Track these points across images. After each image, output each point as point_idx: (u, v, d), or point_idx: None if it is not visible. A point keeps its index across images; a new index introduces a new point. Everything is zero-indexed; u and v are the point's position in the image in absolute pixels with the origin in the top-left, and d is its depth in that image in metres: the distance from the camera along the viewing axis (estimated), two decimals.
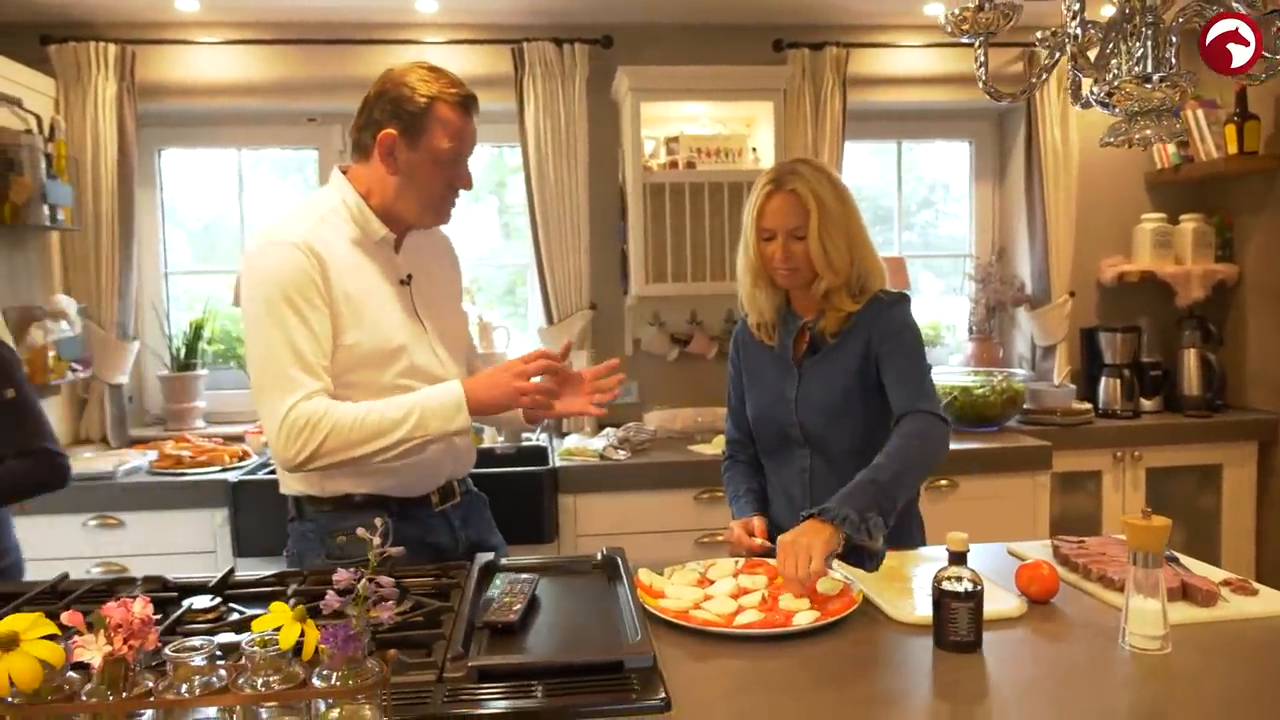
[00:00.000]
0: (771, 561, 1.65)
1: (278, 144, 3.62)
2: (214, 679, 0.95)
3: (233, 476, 2.77)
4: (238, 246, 3.65)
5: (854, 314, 1.83)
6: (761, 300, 1.89)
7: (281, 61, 3.36)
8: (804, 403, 1.85)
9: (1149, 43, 1.07)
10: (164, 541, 2.77)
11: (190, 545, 2.78)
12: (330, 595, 0.96)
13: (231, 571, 1.66)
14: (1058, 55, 1.23)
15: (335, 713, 0.96)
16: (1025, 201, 3.61)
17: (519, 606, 1.42)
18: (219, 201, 3.67)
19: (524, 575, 1.58)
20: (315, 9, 3.22)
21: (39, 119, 3.02)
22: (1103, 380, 3.54)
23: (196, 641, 0.96)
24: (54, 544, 2.67)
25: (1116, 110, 1.16)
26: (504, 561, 1.70)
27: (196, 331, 3.45)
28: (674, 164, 3.27)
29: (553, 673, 1.22)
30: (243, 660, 0.95)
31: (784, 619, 1.37)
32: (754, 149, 3.34)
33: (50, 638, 0.91)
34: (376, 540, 1.01)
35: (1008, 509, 3.01)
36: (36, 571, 2.62)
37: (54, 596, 1.56)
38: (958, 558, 1.29)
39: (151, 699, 0.92)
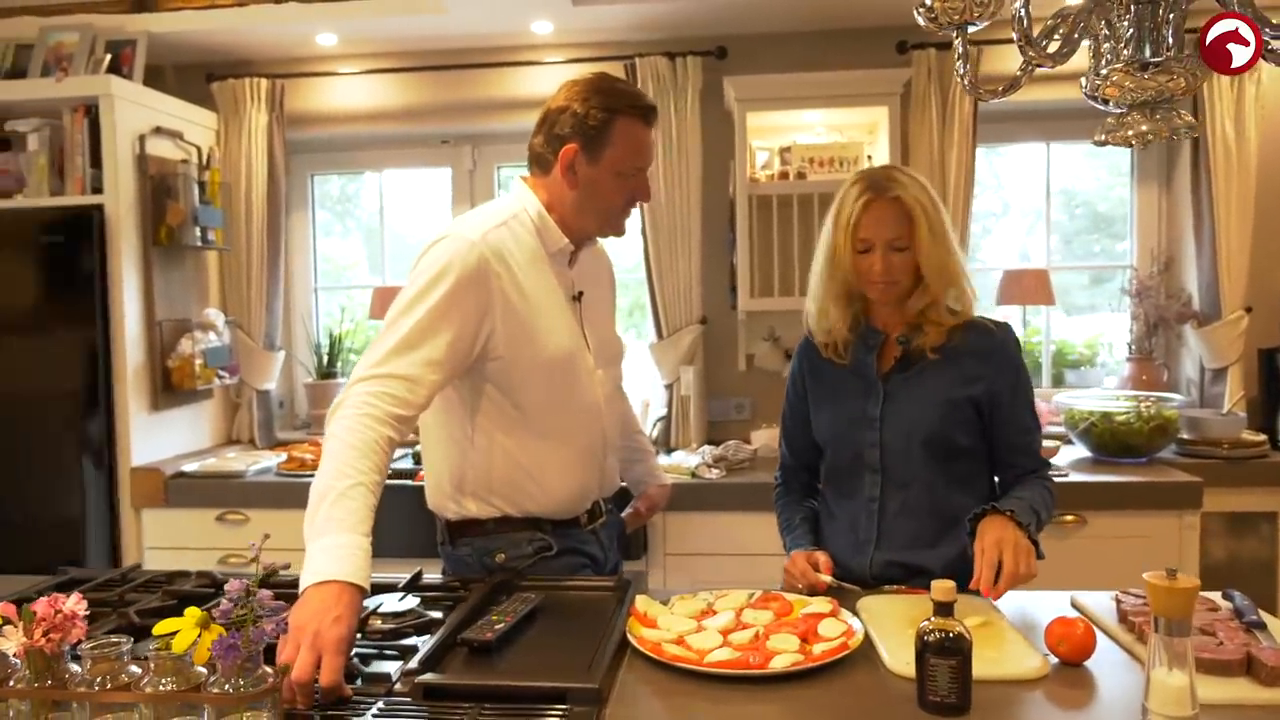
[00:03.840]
0: (792, 597, 1.54)
1: (414, 165, 3.82)
2: (124, 676, 0.99)
3: None
4: (388, 259, 3.88)
5: (956, 329, 1.71)
6: (836, 316, 1.77)
7: (413, 88, 3.55)
8: (891, 421, 1.72)
9: (1140, 22, 0.90)
10: (284, 538, 2.97)
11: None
12: (223, 604, 0.99)
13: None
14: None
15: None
16: (1192, 205, 3.21)
17: (501, 625, 1.40)
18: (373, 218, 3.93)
19: (528, 594, 1.56)
20: (441, 37, 3.38)
21: (199, 150, 3.35)
22: None
23: (116, 639, 1.02)
24: (186, 535, 2.94)
25: (1110, 104, 1.00)
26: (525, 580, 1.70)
27: (336, 342, 3.69)
28: (785, 175, 3.17)
29: (498, 696, 1.20)
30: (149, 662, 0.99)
31: (763, 660, 1.28)
32: (869, 156, 3.17)
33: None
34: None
35: (1147, 552, 2.67)
36: (165, 560, 2.92)
37: (121, 583, 1.71)
38: (942, 609, 1.15)
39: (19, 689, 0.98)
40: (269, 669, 0.99)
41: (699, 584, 2.81)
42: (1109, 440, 2.92)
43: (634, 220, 3.34)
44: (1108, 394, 3.21)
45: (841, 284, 1.73)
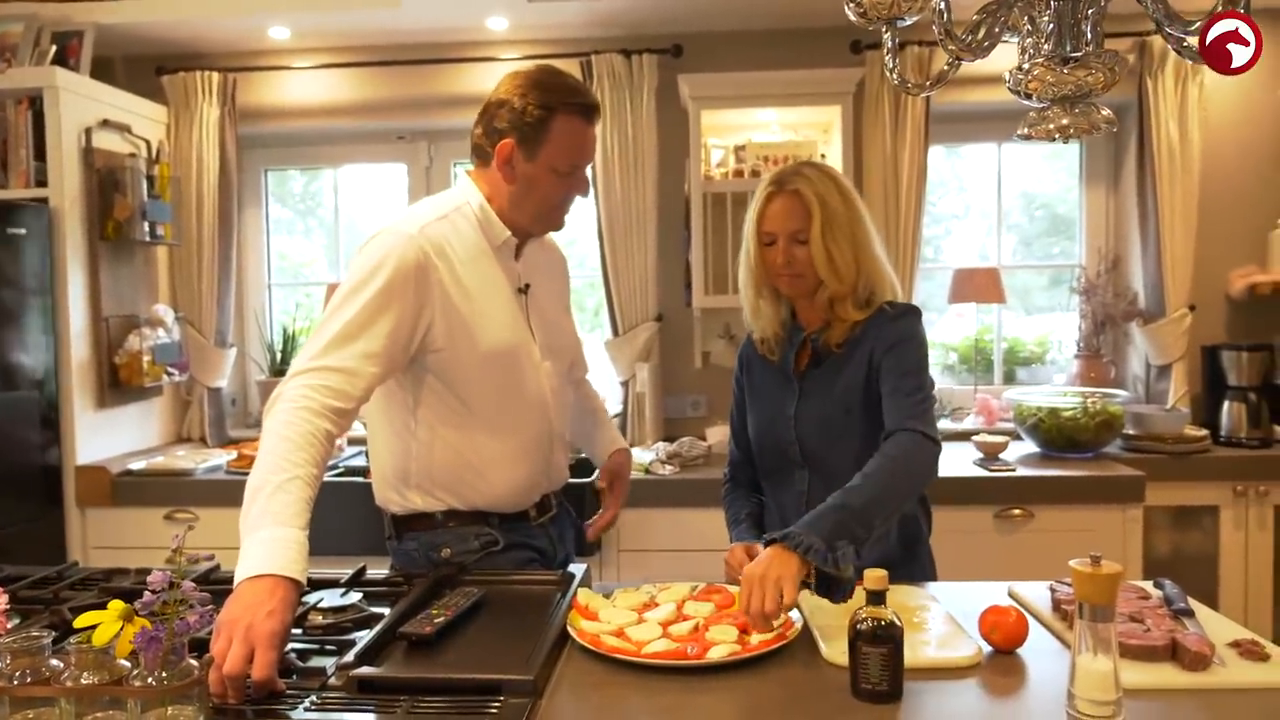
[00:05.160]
0: (734, 589, 1.55)
1: (370, 160, 3.79)
2: (44, 670, 0.98)
3: None
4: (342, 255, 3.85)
5: (860, 323, 1.72)
6: (766, 312, 1.80)
7: (368, 83, 3.52)
8: (803, 419, 1.75)
9: (1060, 18, 0.92)
10: (233, 537, 2.93)
11: None
12: (146, 595, 0.97)
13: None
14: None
15: (154, 713, 0.97)
16: (1137, 205, 3.28)
17: (441, 619, 1.39)
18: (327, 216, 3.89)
19: (471, 588, 1.56)
20: (396, 32, 3.35)
21: (148, 143, 3.29)
22: (1226, 404, 3.15)
23: (36, 633, 1.00)
24: (133, 535, 2.89)
25: (1034, 99, 1.02)
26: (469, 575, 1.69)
27: (290, 339, 3.65)
28: (740, 173, 3.18)
29: (434, 689, 1.19)
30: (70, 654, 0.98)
31: (700, 651, 1.28)
32: (823, 155, 3.20)
33: None
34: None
35: (1091, 544, 2.65)
36: (110, 560, 2.86)
37: (56, 580, 1.68)
38: (875, 597, 1.17)
39: None
40: (194, 662, 0.98)
41: (651, 579, 2.84)
42: (1056, 435, 2.97)
43: (590, 217, 3.36)
44: (1056, 390, 3.26)
45: (760, 279, 1.75)
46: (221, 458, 3.12)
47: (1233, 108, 3.32)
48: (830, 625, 1.39)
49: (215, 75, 3.40)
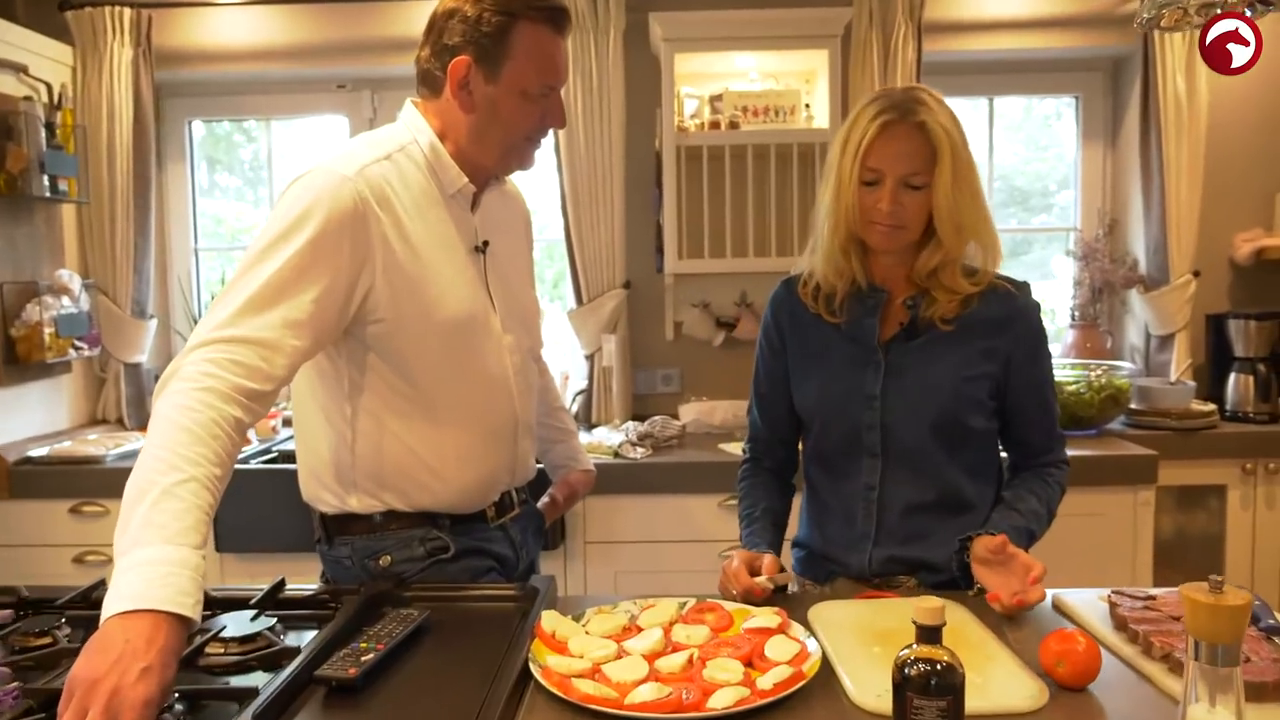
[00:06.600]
0: (731, 606, 1.29)
1: (307, 112, 3.42)
2: None
3: None
4: None
5: (973, 297, 1.45)
6: (841, 263, 1.47)
7: (304, 23, 3.15)
8: (892, 401, 1.46)
9: None
10: None
11: None
12: None
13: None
14: None
15: None
16: (1140, 164, 3.05)
17: (370, 657, 1.11)
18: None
19: (410, 610, 1.27)
20: None
21: (49, 87, 2.91)
22: (1232, 376, 2.95)
23: None
24: (33, 531, 2.56)
25: None
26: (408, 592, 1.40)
27: None
28: (716, 124, 2.89)
29: None
30: None
31: (700, 696, 1.02)
32: (807, 105, 2.92)
33: None
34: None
35: (1101, 531, 2.52)
36: (6, 562, 2.53)
37: None
38: (928, 634, 0.91)
39: None
40: None
41: (622, 574, 2.59)
42: (1060, 412, 2.74)
43: (550, 173, 3.05)
44: (1059, 362, 3.04)
45: (851, 224, 1.44)
46: (139, 441, 2.76)
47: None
48: (854, 651, 1.13)
49: (127, 11, 3.01)
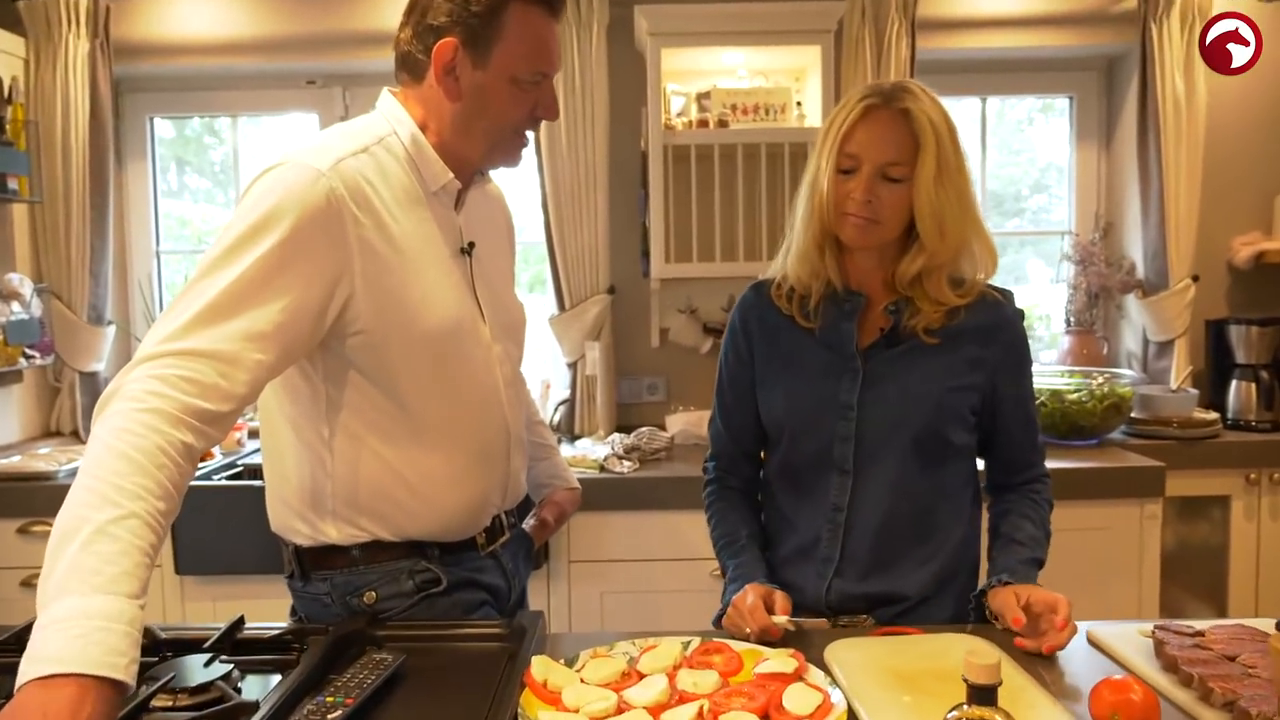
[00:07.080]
0: (740, 646, 1.17)
1: (275, 109, 3.27)
2: None
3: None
4: None
5: (960, 309, 1.35)
6: (815, 260, 1.37)
7: (272, 16, 3.01)
8: (869, 411, 1.35)
9: None
10: None
11: None
12: None
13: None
14: None
15: None
16: (1138, 166, 2.97)
17: (338, 714, 0.98)
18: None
19: (383, 655, 1.14)
20: None
21: None
22: (1234, 384, 2.88)
23: None
24: None
25: None
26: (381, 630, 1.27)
27: None
28: (705, 123, 2.78)
29: None
30: None
31: None
32: (798, 103, 2.82)
33: None
34: None
35: (1106, 546, 2.42)
36: None
37: None
38: (982, 694, 0.79)
39: None
40: None
41: (609, 594, 2.46)
42: (1059, 421, 2.65)
43: (530, 174, 2.92)
44: (1052, 370, 2.96)
45: (827, 218, 1.34)
46: None
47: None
48: (882, 702, 1.02)
49: (84, 0, 2.86)
